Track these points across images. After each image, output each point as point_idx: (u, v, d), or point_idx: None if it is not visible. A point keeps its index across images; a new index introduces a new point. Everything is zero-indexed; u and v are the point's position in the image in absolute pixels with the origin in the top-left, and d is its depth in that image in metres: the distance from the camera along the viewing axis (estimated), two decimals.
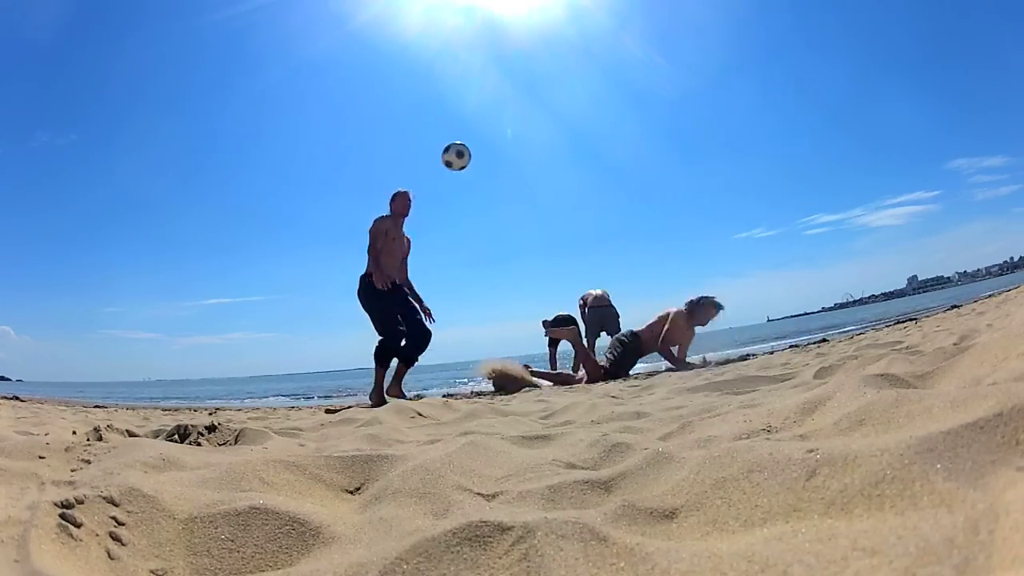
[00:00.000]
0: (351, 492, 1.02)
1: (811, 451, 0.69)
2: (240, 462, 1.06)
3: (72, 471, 1.05)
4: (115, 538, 0.74)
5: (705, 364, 5.17)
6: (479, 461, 1.08)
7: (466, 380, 5.99)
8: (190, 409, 5.43)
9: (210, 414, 3.87)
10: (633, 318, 7.41)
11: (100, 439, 1.38)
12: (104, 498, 0.79)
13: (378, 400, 4.69)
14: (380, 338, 4.83)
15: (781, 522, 0.61)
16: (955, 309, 6.65)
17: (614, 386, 3.96)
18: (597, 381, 5.20)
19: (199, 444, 1.51)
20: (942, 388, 1.13)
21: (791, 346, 6.37)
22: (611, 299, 7.03)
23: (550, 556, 0.59)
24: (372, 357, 4.82)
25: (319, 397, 9.74)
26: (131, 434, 1.56)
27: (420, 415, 2.51)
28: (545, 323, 7.25)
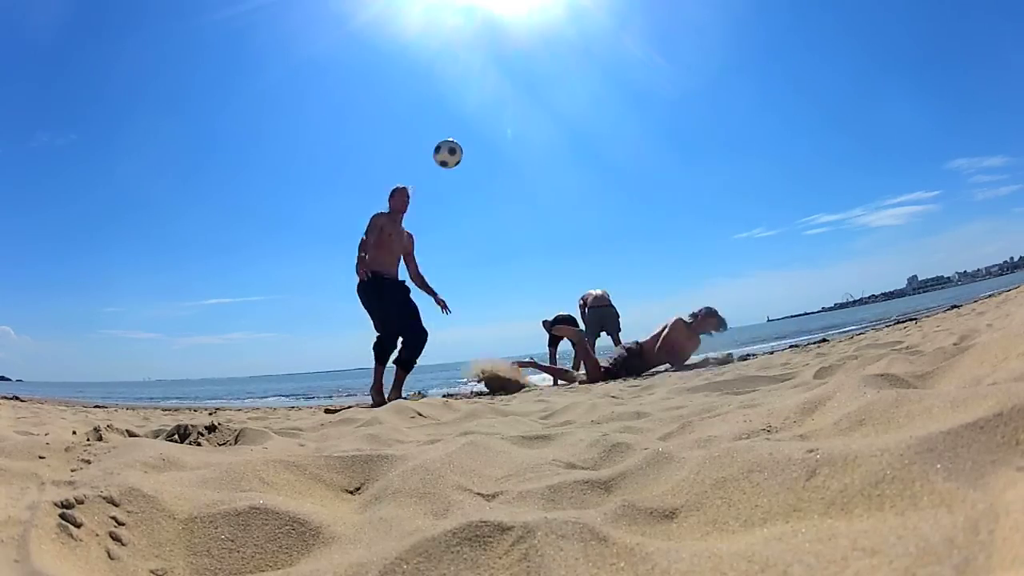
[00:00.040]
0: (351, 492, 1.02)
1: (811, 451, 0.69)
2: (240, 462, 1.06)
3: (72, 471, 1.05)
4: (115, 538, 0.74)
5: (707, 363, 5.17)
6: (479, 461, 1.08)
7: (465, 380, 5.98)
8: (190, 409, 5.43)
9: (210, 414, 3.87)
10: (633, 318, 7.41)
11: (100, 439, 1.38)
12: (104, 498, 0.79)
13: (377, 396, 4.76)
14: (378, 335, 4.89)
15: (781, 522, 0.61)
16: (955, 309, 6.65)
17: (614, 386, 3.96)
18: (597, 381, 5.20)
19: (199, 444, 1.51)
20: (942, 388, 1.13)
21: (791, 346, 6.37)
22: (611, 299, 7.03)
23: (550, 556, 0.59)
24: (372, 354, 4.89)
25: (322, 397, 9.74)
26: (131, 434, 1.56)
27: (420, 415, 2.51)
28: (545, 323, 7.26)
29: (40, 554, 0.65)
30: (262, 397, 12.50)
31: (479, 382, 5.53)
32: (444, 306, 5.18)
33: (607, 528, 0.64)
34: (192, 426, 1.62)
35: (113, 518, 0.77)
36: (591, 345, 6.41)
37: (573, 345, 6.82)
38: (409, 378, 5.08)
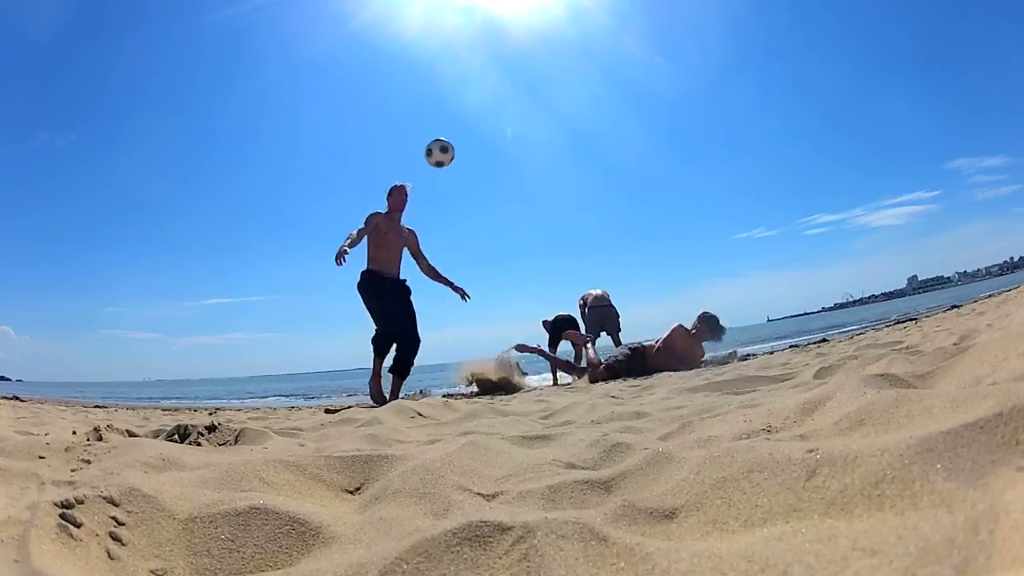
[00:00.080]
0: (351, 492, 1.02)
1: (811, 451, 0.69)
2: (240, 462, 1.06)
3: (72, 471, 1.05)
4: (115, 538, 0.74)
5: (707, 363, 5.17)
6: (479, 461, 1.08)
7: (456, 385, 5.97)
8: (190, 409, 5.43)
9: (210, 414, 3.87)
10: (633, 318, 7.41)
11: (100, 439, 1.38)
12: (104, 498, 0.79)
13: (376, 389, 4.87)
14: (376, 330, 4.97)
15: (781, 522, 0.61)
16: (955, 309, 6.64)
17: (614, 386, 3.96)
18: (597, 381, 5.19)
19: (199, 444, 1.51)
20: (942, 388, 1.13)
21: (791, 346, 6.37)
22: (611, 299, 7.03)
23: (550, 556, 0.59)
24: (371, 352, 4.98)
25: (323, 397, 9.74)
26: (131, 434, 1.56)
27: (420, 415, 2.51)
28: (545, 323, 7.26)
29: (40, 554, 0.65)
30: (262, 397, 12.50)
31: (469, 386, 5.53)
32: (464, 294, 5.24)
33: (607, 528, 0.64)
34: (192, 426, 1.62)
35: (113, 518, 0.77)
36: (592, 344, 6.42)
37: (574, 346, 6.83)
38: (409, 378, 5.09)
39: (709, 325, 5.58)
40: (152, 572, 0.71)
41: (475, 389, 5.42)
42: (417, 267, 5.24)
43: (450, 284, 5.25)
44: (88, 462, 1.12)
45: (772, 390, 2.03)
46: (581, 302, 7.13)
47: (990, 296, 8.42)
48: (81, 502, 0.77)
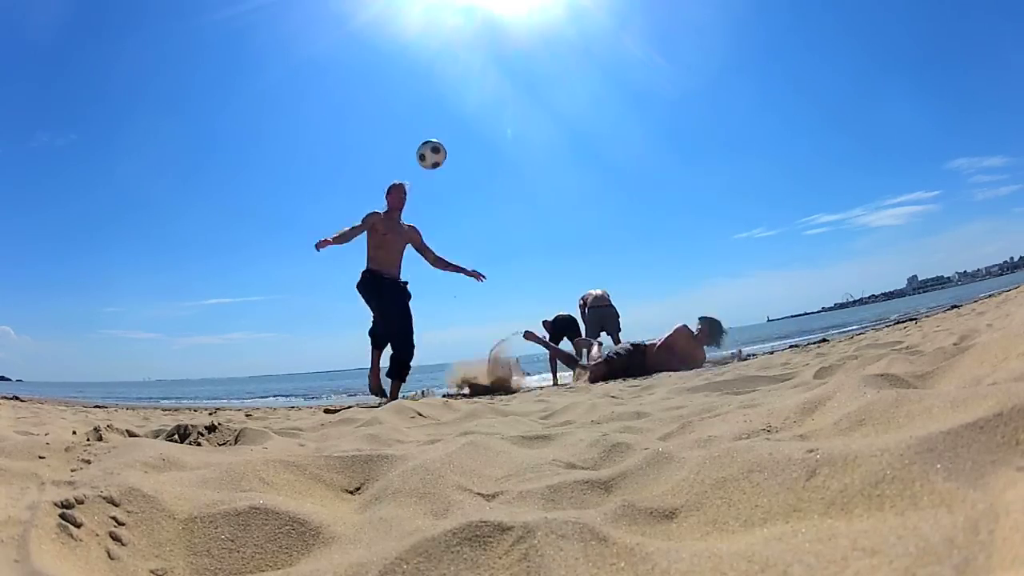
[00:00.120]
0: (351, 492, 1.02)
1: (811, 451, 0.69)
2: (240, 462, 1.06)
3: (72, 471, 1.05)
4: (115, 538, 0.74)
5: (738, 355, 5.18)
6: (479, 461, 1.08)
7: (448, 388, 5.97)
8: (190, 409, 5.43)
9: (210, 414, 3.87)
10: (633, 318, 7.41)
11: (100, 439, 1.38)
12: (104, 498, 0.79)
13: (375, 382, 4.97)
14: (373, 323, 5.04)
15: (781, 522, 0.61)
16: (955, 309, 6.64)
17: (614, 386, 3.96)
18: (597, 375, 5.19)
19: (199, 444, 1.51)
20: (942, 388, 1.13)
21: (791, 346, 6.36)
22: (611, 299, 7.03)
23: (550, 556, 0.59)
24: (370, 349, 5.07)
25: (322, 397, 9.74)
26: (131, 434, 1.56)
27: (420, 415, 2.51)
28: (545, 323, 7.26)
29: (40, 554, 0.65)
30: (262, 397, 12.50)
31: (460, 390, 5.53)
32: (478, 275, 5.28)
33: (607, 528, 0.64)
34: (192, 426, 1.62)
35: (113, 518, 0.77)
36: (597, 348, 6.43)
37: (575, 346, 6.83)
38: (409, 379, 5.10)
39: (712, 329, 5.58)
40: (152, 572, 0.71)
41: (467, 392, 5.42)
42: (426, 262, 5.26)
43: (462, 269, 5.30)
44: (88, 462, 1.12)
45: (772, 390, 2.03)
46: (581, 302, 7.13)
47: (990, 296, 8.42)
48: (81, 502, 0.77)
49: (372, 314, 5.02)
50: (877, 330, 6.50)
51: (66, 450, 1.20)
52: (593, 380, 5.27)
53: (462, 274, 5.31)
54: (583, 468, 1.05)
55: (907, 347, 2.71)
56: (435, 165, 5.16)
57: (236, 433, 1.59)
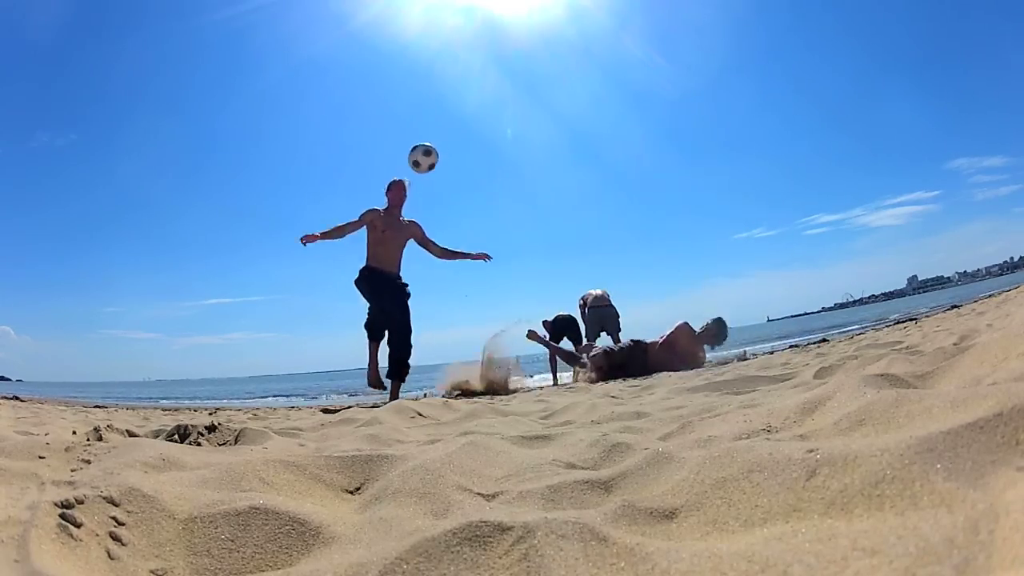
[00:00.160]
0: (351, 492, 1.02)
1: (811, 451, 0.69)
2: (240, 462, 1.06)
3: (72, 471, 1.05)
4: (115, 538, 0.74)
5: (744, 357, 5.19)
6: (479, 461, 1.08)
7: (465, 381, 5.97)
8: (190, 409, 5.43)
9: (210, 414, 3.87)
10: (633, 318, 7.42)
11: (100, 439, 1.38)
12: (104, 498, 0.79)
13: (373, 375, 5.01)
14: (369, 316, 5.07)
15: (781, 522, 0.61)
16: (955, 309, 6.64)
17: (614, 386, 3.96)
18: (597, 370, 5.18)
19: (199, 444, 1.51)
20: (942, 388, 1.13)
21: (791, 346, 6.36)
22: (611, 299, 7.03)
23: (550, 556, 0.59)
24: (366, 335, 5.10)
25: (321, 396, 9.73)
26: (131, 434, 1.56)
27: (420, 415, 2.51)
28: (546, 323, 7.27)
29: (40, 554, 0.65)
30: (262, 397, 12.50)
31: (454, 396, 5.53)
32: (484, 256, 5.31)
33: (607, 528, 0.63)
34: (192, 426, 1.62)
35: (113, 518, 0.77)
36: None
37: (575, 346, 6.84)
38: (409, 379, 5.10)
39: (716, 329, 5.58)
40: (152, 572, 0.71)
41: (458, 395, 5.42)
42: (432, 256, 5.27)
43: (468, 255, 5.31)
44: (88, 462, 1.12)
45: (772, 390, 2.03)
46: (581, 302, 7.13)
47: (990, 296, 8.42)
48: (81, 502, 0.77)
49: (368, 307, 5.04)
50: (877, 330, 6.50)
51: (66, 450, 1.20)
52: (594, 369, 5.26)
53: (469, 260, 5.32)
54: (583, 468, 1.05)
55: (907, 347, 2.71)
56: (431, 167, 5.17)
57: (236, 433, 1.59)
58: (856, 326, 10.68)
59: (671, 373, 4.56)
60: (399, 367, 4.92)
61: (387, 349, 5.01)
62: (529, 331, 6.27)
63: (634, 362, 5.27)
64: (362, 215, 5.00)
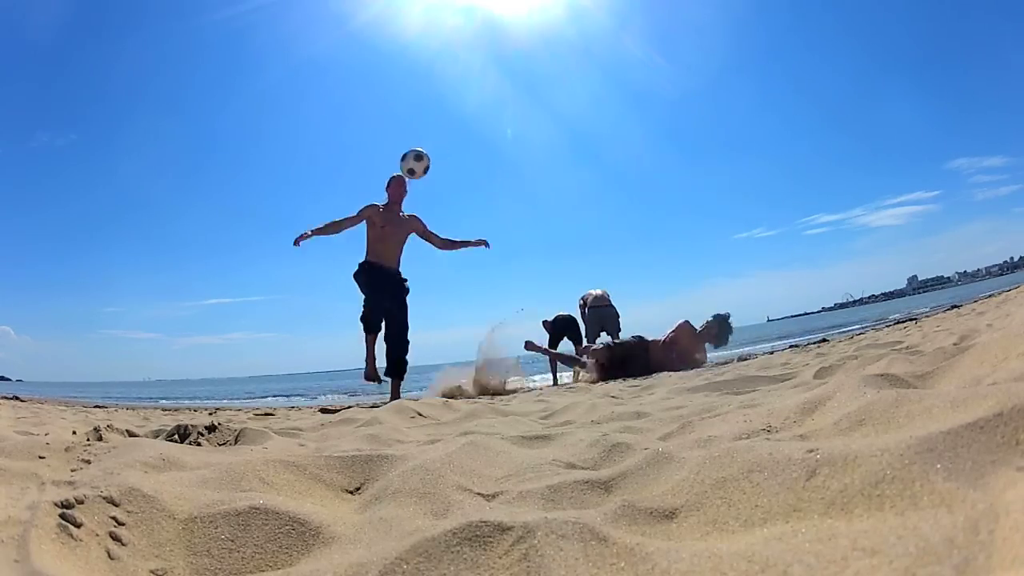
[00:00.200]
0: (351, 492, 1.02)
1: (811, 451, 0.69)
2: (240, 462, 1.06)
3: (72, 471, 1.05)
4: (115, 538, 0.74)
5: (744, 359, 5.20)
6: (479, 461, 1.08)
7: (457, 387, 5.98)
8: (190, 409, 5.43)
9: (210, 414, 3.87)
10: (633, 319, 7.42)
11: (100, 439, 1.38)
12: (104, 498, 0.79)
13: (370, 367, 5.03)
14: (364, 310, 5.08)
15: (781, 522, 0.61)
16: (955, 309, 6.64)
17: (614, 386, 3.96)
18: (599, 362, 5.18)
19: (199, 444, 1.51)
20: (942, 388, 1.13)
21: (791, 346, 6.36)
22: (611, 299, 7.03)
23: (550, 556, 0.59)
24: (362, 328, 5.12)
25: (321, 396, 9.73)
26: (131, 434, 1.56)
27: (420, 415, 2.51)
28: (546, 323, 7.27)
29: (40, 554, 0.65)
30: (262, 397, 12.51)
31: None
32: (484, 243, 5.35)
33: (607, 528, 0.64)
34: (192, 426, 1.62)
35: (113, 518, 0.77)
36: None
37: (575, 344, 6.84)
38: (409, 379, 5.10)
39: (717, 328, 5.56)
40: (152, 572, 0.71)
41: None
42: (435, 248, 5.31)
43: (468, 243, 5.36)
44: (88, 462, 1.12)
45: (772, 390, 2.03)
46: (581, 302, 7.13)
47: (990, 296, 8.42)
48: (81, 502, 0.77)
49: (363, 299, 5.05)
50: (877, 330, 6.50)
51: (66, 450, 1.20)
52: (596, 363, 5.25)
53: (470, 247, 5.37)
54: (583, 468, 1.05)
55: (907, 347, 2.71)
56: (425, 171, 5.20)
57: (236, 433, 1.59)
58: (856, 326, 10.68)
59: (671, 373, 4.56)
60: (398, 365, 4.93)
61: (384, 347, 5.02)
62: (527, 343, 6.27)
63: (635, 360, 5.26)
64: (361, 210, 5.01)
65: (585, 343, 6.64)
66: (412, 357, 5.03)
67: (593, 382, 5.08)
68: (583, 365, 5.74)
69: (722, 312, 5.68)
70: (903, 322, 6.81)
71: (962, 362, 1.25)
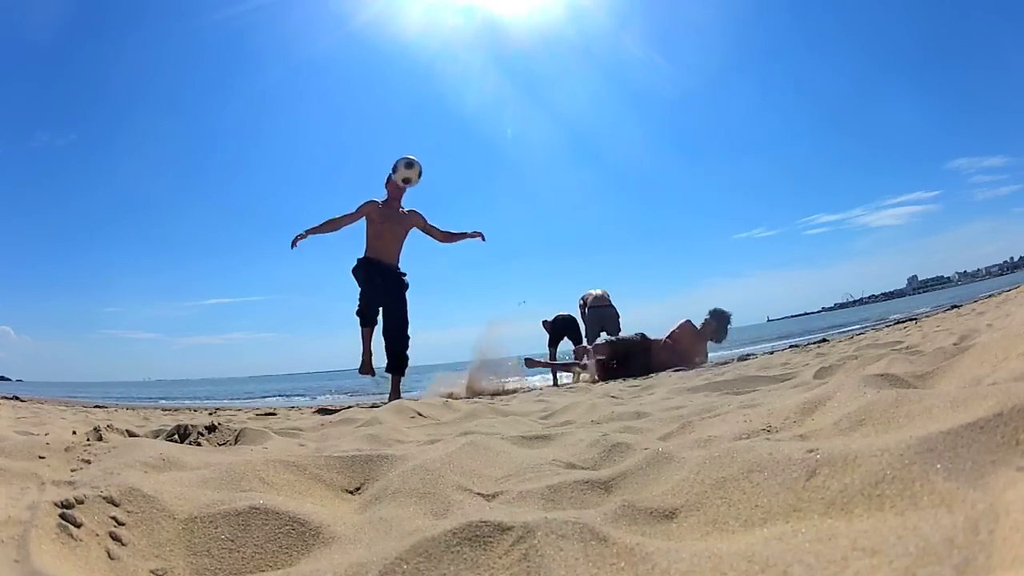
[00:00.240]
0: (351, 492, 1.02)
1: (811, 451, 0.69)
2: (240, 462, 1.06)
3: (72, 471, 1.05)
4: (115, 538, 0.74)
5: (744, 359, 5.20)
6: (479, 461, 1.08)
7: (449, 394, 6.00)
8: (190, 409, 5.43)
9: (210, 414, 3.87)
10: (633, 319, 7.43)
11: (100, 439, 1.38)
12: (104, 498, 0.79)
13: (366, 360, 5.06)
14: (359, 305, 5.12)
15: (781, 522, 0.61)
16: (955, 309, 6.64)
17: (614, 386, 3.96)
18: (601, 357, 5.18)
19: (199, 444, 1.51)
20: (942, 388, 1.13)
21: (791, 346, 6.36)
22: (611, 299, 7.04)
23: (550, 556, 0.59)
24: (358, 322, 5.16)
25: (321, 396, 9.73)
26: (131, 434, 1.56)
27: (420, 415, 2.51)
28: (545, 323, 7.27)
29: (40, 554, 0.65)
30: (262, 397, 12.51)
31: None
32: (480, 236, 5.39)
33: (607, 528, 0.63)
34: (192, 426, 1.62)
35: (113, 518, 0.77)
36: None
37: (575, 344, 6.84)
38: (410, 379, 5.11)
39: (716, 322, 5.56)
40: (152, 572, 0.71)
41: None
42: (436, 241, 5.34)
43: (465, 235, 5.40)
44: (88, 462, 1.12)
45: (772, 390, 2.03)
46: (581, 302, 7.13)
47: (990, 296, 8.42)
48: (81, 502, 0.77)
49: (359, 293, 5.08)
50: (877, 330, 6.49)
51: (66, 450, 1.20)
52: (597, 358, 5.25)
53: (467, 239, 5.41)
54: (583, 468, 1.05)
55: (907, 347, 2.71)
56: (419, 175, 5.22)
57: (236, 433, 1.59)
58: (856, 326, 10.69)
59: (671, 373, 4.56)
60: (397, 360, 4.94)
61: (383, 342, 5.03)
62: (527, 359, 6.28)
63: (637, 358, 5.27)
64: (359, 207, 5.03)
65: (585, 343, 6.65)
66: (412, 357, 5.04)
67: (593, 381, 5.07)
68: (584, 367, 5.75)
69: (718, 307, 5.68)
70: (903, 322, 6.81)
71: (962, 362, 1.25)
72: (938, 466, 0.58)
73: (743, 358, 5.34)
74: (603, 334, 6.78)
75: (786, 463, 0.69)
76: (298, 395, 12.17)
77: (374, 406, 3.57)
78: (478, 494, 0.91)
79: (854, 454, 0.64)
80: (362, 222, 5.06)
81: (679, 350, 5.42)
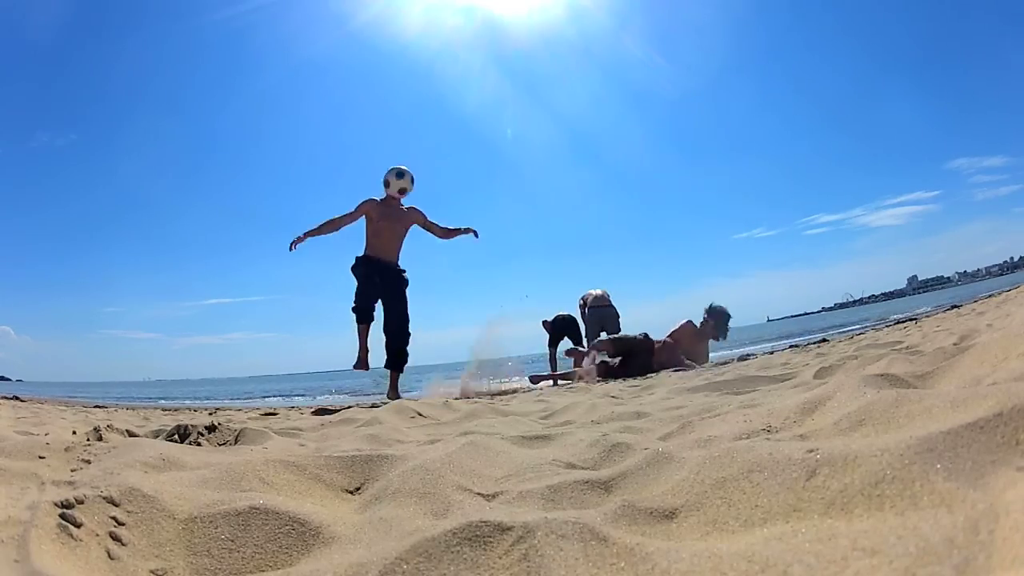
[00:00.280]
0: (351, 492, 1.02)
1: (811, 451, 0.69)
2: (240, 462, 1.06)
3: (72, 471, 1.05)
4: (115, 538, 0.74)
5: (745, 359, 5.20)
6: (479, 461, 1.08)
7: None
8: (190, 409, 5.43)
9: (210, 414, 3.87)
10: (633, 319, 7.43)
11: (100, 439, 1.38)
12: (104, 498, 0.79)
13: (362, 356, 5.08)
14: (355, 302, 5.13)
15: (781, 522, 0.61)
16: (955, 309, 6.64)
17: (614, 386, 3.96)
18: (602, 353, 5.18)
19: (199, 444, 1.51)
20: (942, 388, 1.13)
21: (791, 346, 6.36)
22: (611, 299, 7.04)
23: (550, 556, 0.59)
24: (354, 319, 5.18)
25: (320, 396, 9.73)
26: (131, 434, 1.56)
27: (420, 415, 2.51)
28: (545, 323, 7.27)
29: (40, 554, 0.65)
30: (262, 397, 12.52)
31: None
32: (474, 232, 5.41)
33: (607, 528, 0.63)
34: (192, 426, 1.62)
35: (113, 518, 0.77)
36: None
37: (575, 344, 6.83)
38: (410, 379, 5.11)
39: (716, 322, 5.55)
40: (152, 572, 0.71)
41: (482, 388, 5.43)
42: (436, 238, 5.37)
43: (460, 231, 5.42)
44: (88, 462, 1.12)
45: (772, 390, 2.03)
46: (581, 302, 7.13)
47: (990, 296, 8.42)
48: (81, 502, 0.77)
49: (356, 289, 5.09)
50: (877, 330, 6.49)
51: (66, 450, 1.20)
52: (600, 353, 5.25)
53: (461, 235, 5.44)
54: (583, 468, 1.05)
55: (907, 347, 2.70)
56: (412, 181, 5.24)
57: (236, 433, 1.59)
58: (856, 326, 10.69)
59: (671, 373, 4.56)
60: (397, 357, 4.95)
61: (382, 339, 5.04)
62: (531, 376, 6.28)
63: (638, 357, 5.27)
64: (358, 206, 5.05)
65: (585, 343, 6.64)
66: (411, 358, 5.04)
67: (594, 381, 5.07)
68: (587, 373, 5.76)
69: (714, 303, 5.67)
70: (903, 322, 6.80)
71: (962, 362, 1.25)
72: (938, 466, 0.57)
73: (743, 358, 5.34)
74: (603, 334, 6.78)
75: (786, 463, 0.69)
76: (298, 395, 12.17)
77: (374, 406, 3.57)
78: (478, 494, 0.91)
79: (854, 454, 0.64)
80: (362, 220, 5.07)
81: (680, 351, 5.42)
